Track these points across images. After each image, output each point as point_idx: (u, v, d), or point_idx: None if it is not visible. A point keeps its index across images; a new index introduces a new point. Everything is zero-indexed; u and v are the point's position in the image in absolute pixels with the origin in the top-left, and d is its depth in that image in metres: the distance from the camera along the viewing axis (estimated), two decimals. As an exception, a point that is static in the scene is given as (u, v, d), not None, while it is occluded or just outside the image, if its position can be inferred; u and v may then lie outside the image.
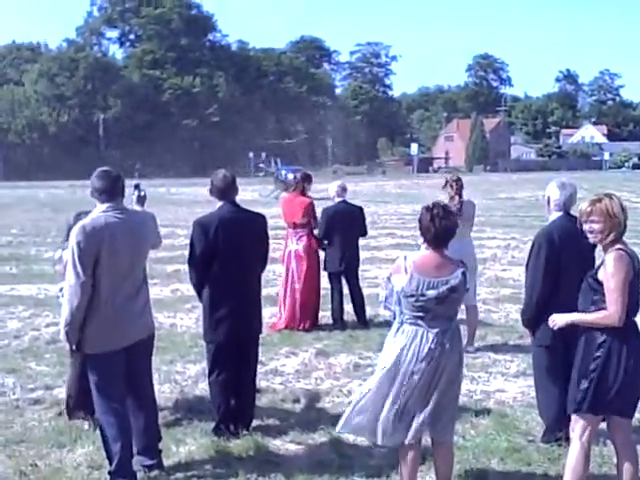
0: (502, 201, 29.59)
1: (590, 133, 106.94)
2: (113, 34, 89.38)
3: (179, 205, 30.03)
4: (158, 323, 8.42)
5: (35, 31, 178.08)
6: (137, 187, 4.87)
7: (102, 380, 4.15)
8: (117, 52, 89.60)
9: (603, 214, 3.64)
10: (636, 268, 3.66)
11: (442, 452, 3.90)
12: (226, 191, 4.94)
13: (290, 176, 37.10)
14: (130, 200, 4.70)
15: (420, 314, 3.72)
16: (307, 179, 8.02)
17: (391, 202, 29.42)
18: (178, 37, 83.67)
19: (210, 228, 4.79)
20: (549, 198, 4.79)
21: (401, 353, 3.73)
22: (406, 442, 3.79)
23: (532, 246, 4.65)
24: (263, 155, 48.57)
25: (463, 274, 3.77)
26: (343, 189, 8.18)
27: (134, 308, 4.18)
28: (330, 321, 8.14)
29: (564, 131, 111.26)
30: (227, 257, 4.78)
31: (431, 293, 3.69)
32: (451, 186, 6.87)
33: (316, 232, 7.99)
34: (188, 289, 10.65)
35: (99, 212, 4.16)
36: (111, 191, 4.18)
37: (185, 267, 12.65)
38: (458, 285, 3.73)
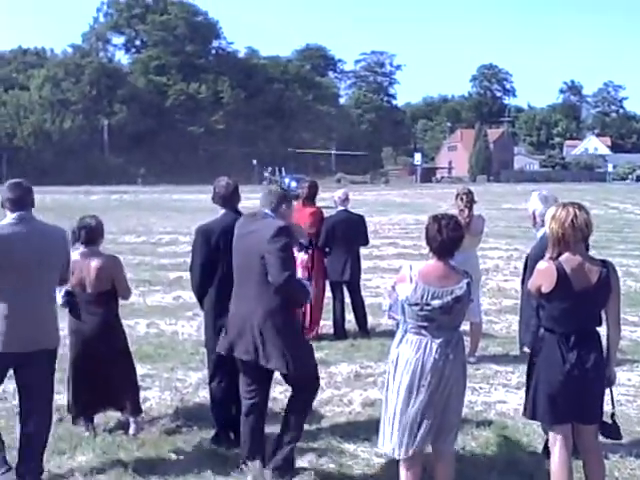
0: (505, 212, 29.53)
1: (594, 145, 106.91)
2: (119, 40, 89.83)
3: (182, 212, 30.05)
4: (159, 330, 8.47)
5: (41, 36, 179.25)
6: None
7: None
8: (123, 58, 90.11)
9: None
10: (573, 282, 3.67)
11: (443, 463, 3.89)
12: (228, 198, 4.96)
13: (293, 184, 37.19)
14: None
15: (424, 324, 3.73)
16: (315, 188, 7.99)
17: (394, 211, 29.41)
18: (183, 43, 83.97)
19: (212, 235, 4.79)
20: (534, 212, 4.78)
21: (406, 364, 3.73)
22: (409, 453, 3.78)
23: (526, 263, 4.55)
24: (269, 168, 48.53)
25: (467, 284, 3.78)
26: (345, 198, 8.18)
27: (33, 317, 4.14)
28: (331, 330, 8.13)
29: (568, 142, 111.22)
30: (229, 265, 4.78)
31: (436, 303, 3.69)
32: (461, 199, 6.76)
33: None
34: (190, 296, 10.63)
35: (7, 221, 4.22)
36: (22, 201, 4.23)
37: (188, 274, 12.63)
38: (462, 295, 3.74)
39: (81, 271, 5.04)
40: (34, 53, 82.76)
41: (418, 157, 76.74)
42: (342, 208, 8.13)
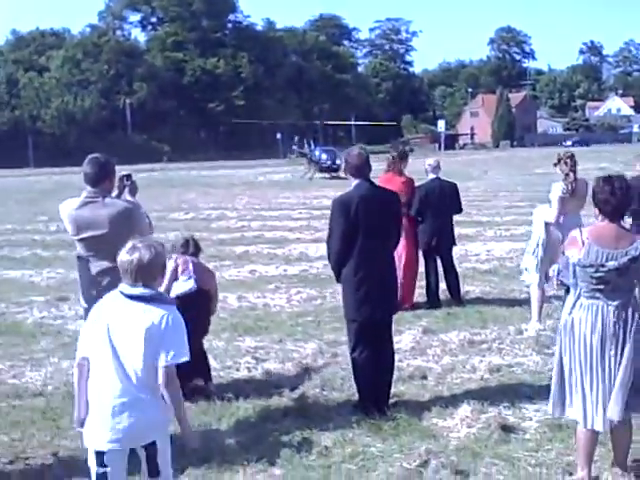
0: (540, 177, 29.04)
1: (616, 105, 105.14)
2: (135, 18, 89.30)
3: (216, 188, 30.05)
4: (251, 303, 8.52)
5: (59, 17, 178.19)
6: (129, 177, 4.86)
7: None
8: (139, 35, 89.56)
9: None
10: None
11: (623, 431, 3.81)
12: (362, 168, 4.94)
13: (324, 156, 36.98)
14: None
15: (599, 286, 3.69)
16: (404, 157, 7.89)
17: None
18: (200, 18, 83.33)
19: (351, 206, 4.78)
20: None
21: (584, 330, 3.71)
22: (604, 427, 3.74)
23: None
24: (295, 138, 48.41)
25: None
26: (436, 165, 8.11)
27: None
28: (421, 299, 8.13)
29: (590, 104, 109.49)
30: (368, 234, 4.78)
31: (611, 264, 3.65)
32: (565, 163, 6.66)
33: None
34: (266, 270, 10.70)
35: (83, 197, 4.49)
36: (96, 178, 4.47)
37: (253, 248, 12.51)
38: (639, 255, 3.69)
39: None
40: (52, 34, 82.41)
41: (442, 124, 75.94)
42: (434, 176, 8.06)
